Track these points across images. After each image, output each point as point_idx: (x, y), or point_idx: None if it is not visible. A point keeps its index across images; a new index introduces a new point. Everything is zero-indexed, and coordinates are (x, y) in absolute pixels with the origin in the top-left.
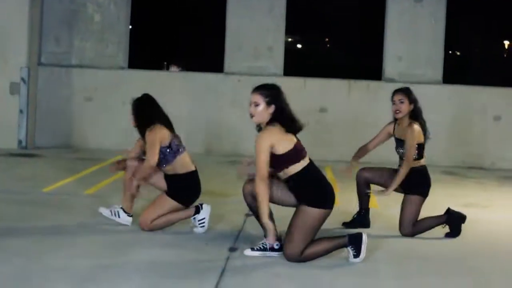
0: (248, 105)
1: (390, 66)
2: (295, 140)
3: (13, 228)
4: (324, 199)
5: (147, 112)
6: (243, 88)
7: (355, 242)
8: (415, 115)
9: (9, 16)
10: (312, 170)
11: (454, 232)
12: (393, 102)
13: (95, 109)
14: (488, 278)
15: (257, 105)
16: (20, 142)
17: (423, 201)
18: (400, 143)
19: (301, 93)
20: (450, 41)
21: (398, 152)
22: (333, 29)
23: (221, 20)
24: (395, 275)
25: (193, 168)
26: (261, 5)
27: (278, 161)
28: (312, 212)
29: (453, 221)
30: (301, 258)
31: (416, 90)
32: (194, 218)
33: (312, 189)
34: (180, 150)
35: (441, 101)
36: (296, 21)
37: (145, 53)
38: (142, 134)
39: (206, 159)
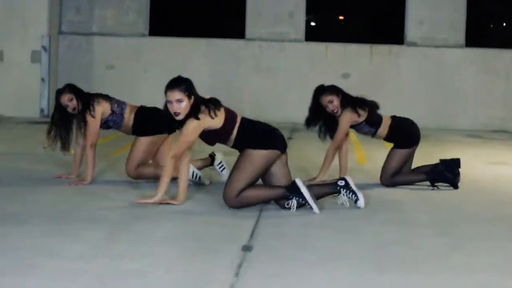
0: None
1: (412, 30)
2: (222, 112)
3: (45, 184)
4: (264, 141)
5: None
6: (264, 54)
7: (295, 192)
8: (345, 102)
9: None
10: (247, 124)
11: (451, 183)
12: (326, 106)
13: (117, 77)
14: None
15: (181, 101)
16: (42, 110)
17: (405, 153)
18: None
19: (323, 59)
20: (473, 4)
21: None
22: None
23: None
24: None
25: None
26: None
27: (218, 136)
28: (252, 154)
29: (439, 175)
30: (236, 201)
31: (439, 53)
32: (213, 167)
33: (253, 135)
34: (123, 106)
35: (464, 65)
36: None
37: (166, 19)
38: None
39: None
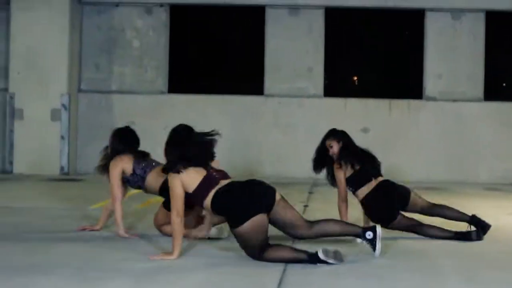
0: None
1: (430, 84)
2: (200, 175)
3: (68, 237)
4: (240, 216)
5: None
6: (283, 110)
7: (315, 261)
8: (342, 153)
9: (49, 44)
10: (222, 193)
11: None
12: (327, 150)
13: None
14: None
15: None
16: (62, 168)
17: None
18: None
19: (342, 114)
20: (490, 57)
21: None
22: (371, 51)
23: (260, 41)
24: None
25: None
26: (300, 26)
27: (191, 200)
28: (238, 232)
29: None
30: (263, 259)
31: (457, 107)
32: None
33: (228, 208)
34: (147, 169)
35: (482, 118)
36: (334, 43)
37: (185, 76)
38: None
39: None
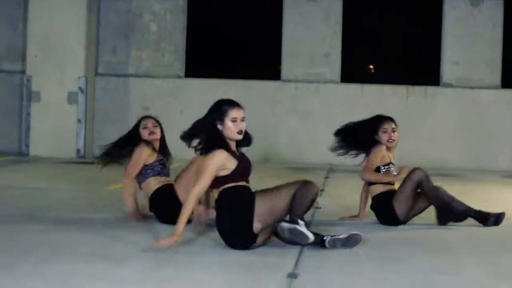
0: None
1: (447, 71)
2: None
3: (88, 217)
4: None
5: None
6: (300, 95)
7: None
8: None
9: (66, 27)
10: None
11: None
12: (385, 130)
13: None
14: None
15: (243, 120)
16: (78, 151)
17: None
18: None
19: (359, 100)
20: (509, 45)
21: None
22: (388, 37)
23: (278, 27)
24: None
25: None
26: (317, 12)
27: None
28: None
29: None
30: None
31: (474, 94)
32: None
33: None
34: (150, 172)
35: (500, 106)
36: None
37: (202, 61)
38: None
39: (264, 167)
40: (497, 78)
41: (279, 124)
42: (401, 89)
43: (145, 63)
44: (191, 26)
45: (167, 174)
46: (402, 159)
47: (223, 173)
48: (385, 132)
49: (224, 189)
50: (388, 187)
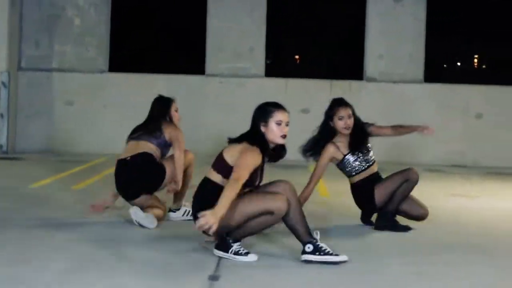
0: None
1: (371, 65)
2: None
3: (13, 218)
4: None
5: None
6: (224, 90)
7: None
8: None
9: None
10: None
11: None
12: (341, 117)
13: (77, 113)
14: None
15: (288, 125)
16: (1, 146)
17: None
18: (355, 154)
19: (283, 94)
20: (432, 40)
21: (367, 160)
22: (315, 30)
23: (203, 21)
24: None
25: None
26: (242, 6)
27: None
28: None
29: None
30: None
31: (398, 89)
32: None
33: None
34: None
35: (422, 100)
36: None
37: (126, 55)
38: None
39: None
40: (419, 72)
41: (204, 119)
42: (325, 84)
43: (69, 58)
44: (115, 20)
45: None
46: None
47: None
48: (340, 119)
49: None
50: (368, 174)
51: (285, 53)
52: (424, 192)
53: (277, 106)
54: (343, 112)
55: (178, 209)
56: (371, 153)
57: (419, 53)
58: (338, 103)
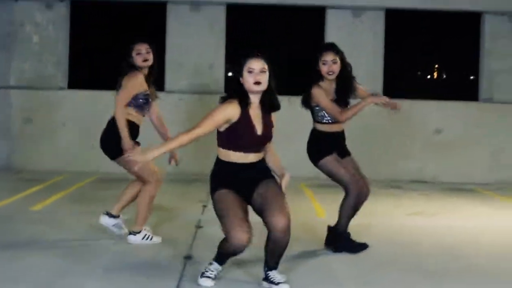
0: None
1: None
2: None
3: None
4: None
5: None
6: (184, 106)
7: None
8: (345, 74)
9: None
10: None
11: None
12: (324, 62)
13: (35, 130)
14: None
15: (264, 72)
16: None
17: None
18: (344, 102)
19: None
20: (388, 57)
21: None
22: (275, 46)
23: (162, 37)
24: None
25: None
26: (201, 23)
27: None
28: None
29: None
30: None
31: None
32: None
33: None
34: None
35: (381, 115)
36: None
37: (85, 72)
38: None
39: None
40: (378, 86)
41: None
42: (283, 100)
43: (28, 75)
44: (74, 37)
45: (144, 113)
46: (287, 169)
47: (224, 127)
48: (324, 64)
49: (218, 153)
50: (334, 129)
51: None
52: (382, 210)
53: (249, 55)
54: (327, 56)
55: (139, 232)
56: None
57: (378, 68)
58: (324, 48)
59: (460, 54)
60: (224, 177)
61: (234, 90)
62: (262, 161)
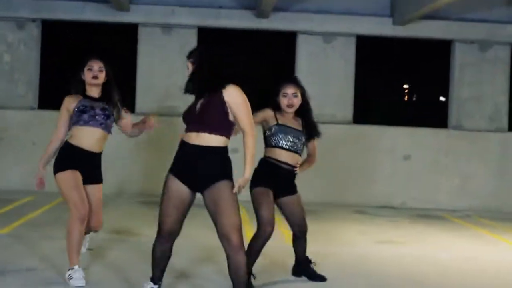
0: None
1: None
2: None
3: None
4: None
5: None
6: (154, 128)
7: None
8: (305, 109)
9: None
10: None
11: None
12: (285, 95)
13: (6, 149)
14: None
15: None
16: None
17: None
18: (295, 132)
19: None
20: (359, 83)
21: (293, 142)
22: (247, 71)
23: (133, 59)
24: None
25: None
26: (172, 45)
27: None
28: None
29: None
30: None
31: (327, 129)
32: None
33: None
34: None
35: (351, 141)
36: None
37: (55, 93)
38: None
39: (117, 199)
40: (349, 113)
41: (133, 156)
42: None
43: None
44: (46, 58)
45: (99, 126)
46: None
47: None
48: (284, 96)
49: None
50: (283, 159)
51: None
52: (349, 238)
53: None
54: (288, 89)
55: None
56: (301, 145)
57: (349, 94)
58: (285, 80)
59: (430, 79)
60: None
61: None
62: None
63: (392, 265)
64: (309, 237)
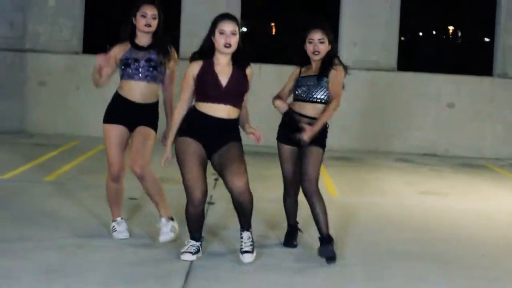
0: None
1: (345, 52)
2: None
3: None
4: None
5: None
6: None
7: None
8: (334, 55)
9: None
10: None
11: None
12: (311, 41)
13: (50, 93)
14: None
15: (235, 34)
16: None
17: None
18: (307, 79)
19: (257, 79)
20: (403, 27)
21: (300, 90)
22: (286, 15)
23: (177, 6)
24: (368, 274)
25: None
26: None
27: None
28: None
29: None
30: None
31: (371, 76)
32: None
33: None
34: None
35: (395, 88)
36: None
37: (100, 37)
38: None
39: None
40: (393, 60)
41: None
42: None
43: (43, 38)
44: (90, 2)
45: (144, 78)
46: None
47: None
48: (310, 42)
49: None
50: (301, 109)
51: (259, 39)
52: (393, 188)
53: (222, 17)
54: (315, 35)
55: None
56: (321, 93)
57: (393, 41)
58: (311, 25)
59: (476, 15)
60: (192, 126)
61: (202, 49)
62: (234, 121)
63: (438, 218)
64: (354, 186)
